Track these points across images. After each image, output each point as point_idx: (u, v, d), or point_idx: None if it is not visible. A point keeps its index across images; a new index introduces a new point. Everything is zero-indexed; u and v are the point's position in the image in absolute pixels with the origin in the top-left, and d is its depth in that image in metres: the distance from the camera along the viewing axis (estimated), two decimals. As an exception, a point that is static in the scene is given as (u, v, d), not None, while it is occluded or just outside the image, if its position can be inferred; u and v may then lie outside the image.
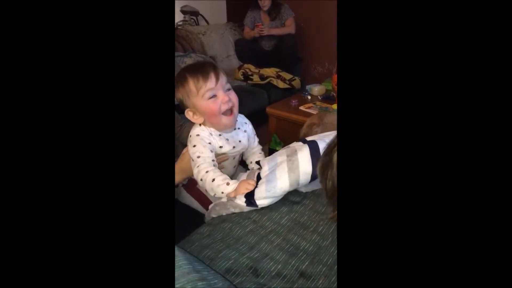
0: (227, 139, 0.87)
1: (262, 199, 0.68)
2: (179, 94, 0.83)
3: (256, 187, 0.70)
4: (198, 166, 0.80)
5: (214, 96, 0.81)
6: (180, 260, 0.48)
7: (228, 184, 0.76)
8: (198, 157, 0.81)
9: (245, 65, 2.47)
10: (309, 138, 0.77)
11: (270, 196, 0.68)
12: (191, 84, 0.80)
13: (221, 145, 0.86)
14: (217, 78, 0.80)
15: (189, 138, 0.86)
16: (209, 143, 0.84)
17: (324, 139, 0.75)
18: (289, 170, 0.68)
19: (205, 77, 0.79)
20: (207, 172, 0.78)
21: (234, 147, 0.88)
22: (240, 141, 0.90)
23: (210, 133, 0.85)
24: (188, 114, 0.85)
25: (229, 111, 0.83)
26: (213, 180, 0.77)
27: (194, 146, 0.83)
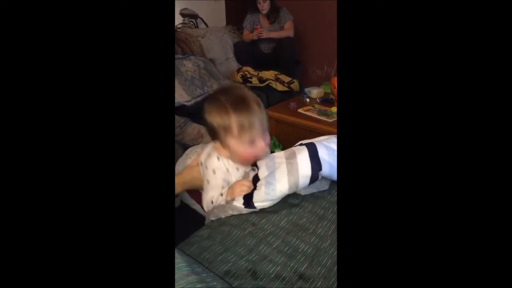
0: (247, 172, 0.83)
1: (261, 202, 0.69)
2: (212, 120, 0.75)
3: (254, 189, 0.70)
4: (204, 192, 0.81)
5: (253, 141, 0.76)
6: (179, 263, 0.48)
7: (221, 194, 0.78)
8: (208, 181, 0.81)
9: (244, 68, 2.47)
10: (306, 141, 0.77)
11: (269, 199, 0.68)
12: (234, 125, 0.73)
13: (236, 179, 0.82)
14: (261, 124, 0.75)
15: (208, 160, 0.83)
16: (227, 169, 0.82)
17: (323, 142, 0.75)
18: (289, 173, 0.68)
19: (252, 125, 0.73)
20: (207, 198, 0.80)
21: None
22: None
23: (227, 168, 0.82)
24: (216, 147, 0.80)
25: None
26: (212, 202, 0.79)
27: (214, 171, 0.81)
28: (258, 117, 0.74)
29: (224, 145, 0.78)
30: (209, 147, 0.86)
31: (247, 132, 0.74)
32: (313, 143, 0.74)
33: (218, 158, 0.81)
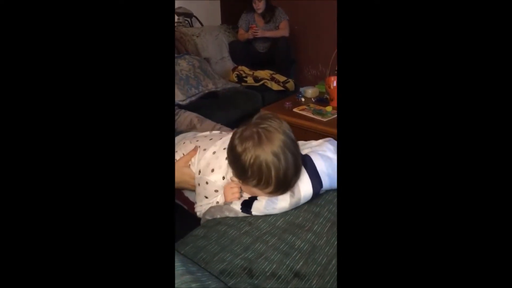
0: None
1: (259, 212, 0.69)
2: (250, 158, 0.62)
3: (256, 199, 0.69)
4: (199, 203, 0.79)
5: None
6: (175, 262, 0.47)
7: (217, 202, 0.76)
8: (206, 197, 0.76)
9: (239, 67, 2.47)
10: (303, 152, 0.74)
11: (267, 213, 0.69)
12: (267, 189, 0.64)
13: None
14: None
15: (211, 176, 0.75)
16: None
17: (318, 152, 0.74)
18: (290, 196, 0.68)
19: (284, 191, 0.67)
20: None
21: None
22: None
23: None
24: (233, 180, 0.71)
25: None
26: (207, 210, 0.76)
27: (216, 191, 0.76)
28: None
29: (243, 184, 0.69)
30: (208, 154, 0.77)
31: (272, 194, 0.67)
32: (309, 157, 0.71)
33: (224, 177, 0.74)
